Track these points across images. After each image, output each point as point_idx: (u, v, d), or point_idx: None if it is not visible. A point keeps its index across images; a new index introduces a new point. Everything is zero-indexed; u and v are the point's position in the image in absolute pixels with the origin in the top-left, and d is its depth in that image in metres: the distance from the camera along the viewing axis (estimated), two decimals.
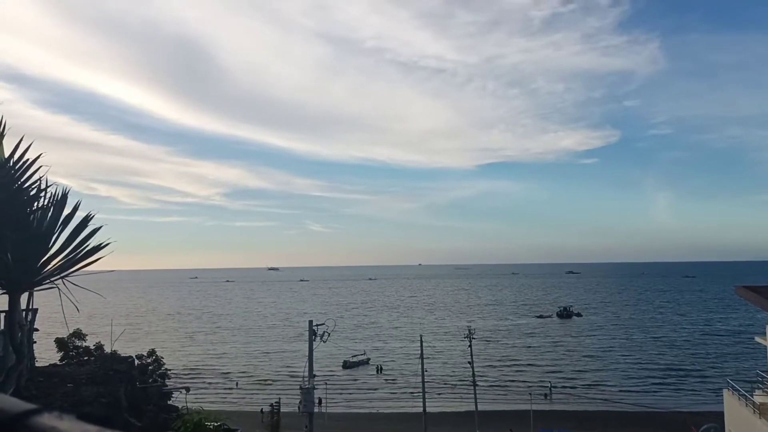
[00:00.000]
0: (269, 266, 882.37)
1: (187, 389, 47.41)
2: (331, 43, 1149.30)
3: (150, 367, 51.10)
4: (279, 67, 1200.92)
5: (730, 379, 31.14)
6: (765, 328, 25.88)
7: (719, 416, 29.98)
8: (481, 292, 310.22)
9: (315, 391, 29.30)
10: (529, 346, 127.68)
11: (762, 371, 27.76)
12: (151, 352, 53.41)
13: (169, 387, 51.89)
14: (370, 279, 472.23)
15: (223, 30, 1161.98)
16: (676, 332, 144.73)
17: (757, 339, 28.90)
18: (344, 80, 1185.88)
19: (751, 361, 78.87)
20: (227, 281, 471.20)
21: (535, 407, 64.68)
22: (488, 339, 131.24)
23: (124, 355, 41.97)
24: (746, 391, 27.60)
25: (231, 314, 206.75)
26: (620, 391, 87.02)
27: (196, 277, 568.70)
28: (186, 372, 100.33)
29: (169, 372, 54.19)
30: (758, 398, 26.33)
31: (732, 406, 28.07)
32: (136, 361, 48.73)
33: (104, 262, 7.68)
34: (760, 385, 27.98)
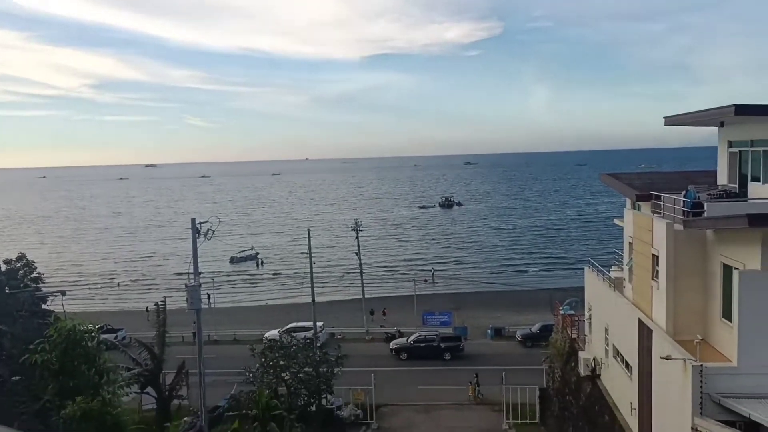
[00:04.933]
0: (147, 163, 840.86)
1: (63, 293, 45.23)
2: None
3: (20, 272, 48.24)
4: None
5: (591, 258, 34.33)
6: (623, 212, 28.34)
7: (581, 291, 33.18)
8: (370, 186, 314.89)
9: (202, 287, 29.09)
10: (412, 236, 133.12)
11: (618, 250, 30.70)
12: (21, 256, 50.18)
13: (43, 292, 49.48)
14: (274, 174, 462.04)
15: None
16: (550, 218, 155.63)
17: (616, 221, 31.73)
18: None
19: (613, 242, 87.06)
20: (105, 180, 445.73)
21: (418, 292, 68.41)
22: (373, 231, 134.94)
23: None
24: (604, 268, 30.59)
25: (109, 215, 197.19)
26: (493, 273, 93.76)
27: (44, 177, 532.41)
28: (62, 275, 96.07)
29: (42, 276, 51.48)
30: (614, 273, 29.27)
31: (591, 282, 31.11)
32: (3, 266, 45.76)
33: None
34: (616, 262, 31.06)
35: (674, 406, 17.77)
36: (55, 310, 42.29)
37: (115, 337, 53.71)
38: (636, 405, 21.90)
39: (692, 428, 16.30)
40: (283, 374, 35.57)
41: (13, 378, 26.49)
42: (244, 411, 32.29)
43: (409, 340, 52.80)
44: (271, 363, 35.77)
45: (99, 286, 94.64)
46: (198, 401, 27.74)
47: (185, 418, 32.95)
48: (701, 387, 16.35)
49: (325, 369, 37.10)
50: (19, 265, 48.80)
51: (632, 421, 22.38)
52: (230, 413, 33.64)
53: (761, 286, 16.41)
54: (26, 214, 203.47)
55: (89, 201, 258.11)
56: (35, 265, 50.86)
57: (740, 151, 21.07)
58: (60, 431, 20.08)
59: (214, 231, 27.43)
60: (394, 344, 53.30)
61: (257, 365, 36.04)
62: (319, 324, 52.88)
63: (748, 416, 15.56)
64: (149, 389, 36.27)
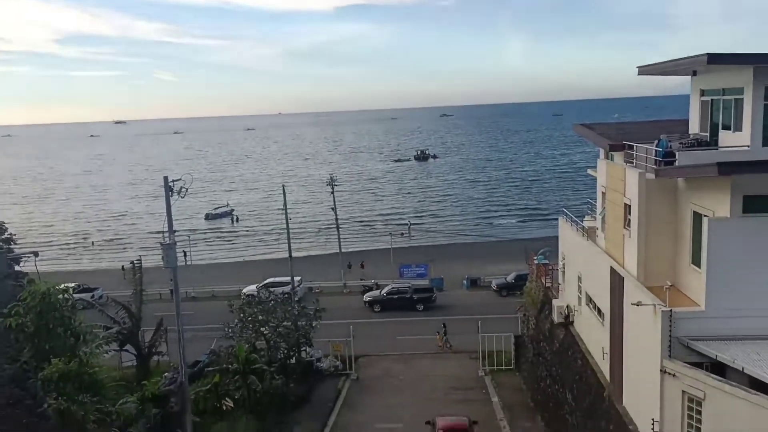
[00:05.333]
0: (116, 120, 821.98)
1: (36, 254, 44.69)
2: None
3: None
4: None
5: (564, 208, 34.75)
6: (596, 162, 28.58)
7: (555, 241, 33.67)
8: (345, 138, 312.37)
9: (177, 245, 28.89)
10: (388, 190, 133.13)
11: (591, 200, 31.10)
12: None
13: (15, 253, 48.71)
14: (248, 129, 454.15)
15: None
16: (525, 169, 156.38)
17: (589, 171, 32.02)
18: None
19: (588, 192, 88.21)
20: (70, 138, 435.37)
21: (395, 246, 68.85)
22: (349, 185, 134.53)
23: None
24: (578, 218, 31.02)
25: (79, 173, 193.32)
26: (469, 225, 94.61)
27: (8, 135, 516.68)
28: (33, 236, 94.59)
29: (14, 237, 50.59)
30: (587, 223, 29.74)
31: (565, 232, 31.57)
32: None
33: None
34: (589, 212, 31.51)
35: (644, 350, 18.35)
36: (28, 272, 41.75)
37: (92, 297, 53.41)
38: (607, 350, 22.57)
39: (661, 370, 16.89)
40: (262, 329, 35.84)
41: None
42: (224, 365, 32.62)
43: (382, 293, 53.33)
44: (249, 318, 35.99)
45: (72, 246, 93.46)
46: (178, 357, 27.88)
47: (165, 374, 33.16)
48: (670, 331, 16.88)
49: (303, 322, 37.45)
50: None
51: (604, 366, 23.11)
52: (210, 368, 33.96)
53: (729, 232, 16.81)
54: None
55: (58, 160, 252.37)
56: (5, 225, 49.94)
57: (712, 100, 21.24)
58: (38, 393, 20.10)
59: (187, 189, 27.05)
60: (367, 297, 53.81)
61: (236, 320, 36.24)
62: (297, 279, 53.11)
63: (714, 357, 16.16)
64: (128, 347, 36.32)
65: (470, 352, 40.15)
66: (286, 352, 36.75)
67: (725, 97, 20.29)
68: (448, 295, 55.38)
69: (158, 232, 75.19)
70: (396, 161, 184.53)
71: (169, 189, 26.01)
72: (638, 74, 24.08)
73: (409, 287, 53.21)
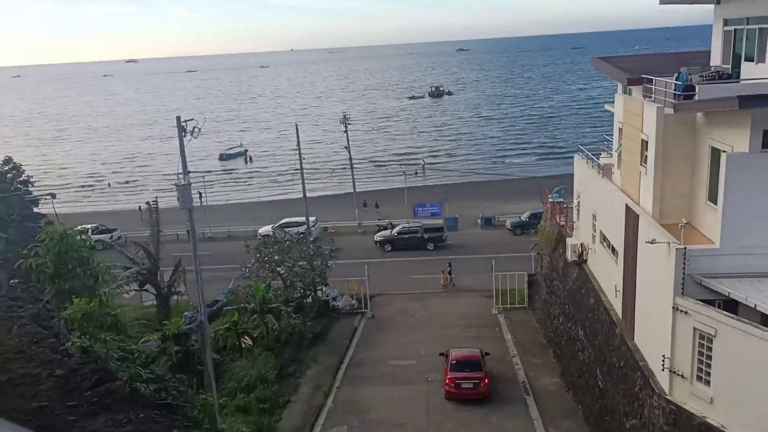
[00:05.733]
0: (127, 59, 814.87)
1: (53, 195, 45.25)
2: None
3: (9, 175, 47.85)
4: None
5: (581, 145, 34.16)
6: (614, 97, 27.86)
7: (570, 179, 33.27)
8: (357, 76, 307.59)
9: (193, 186, 28.97)
10: (402, 128, 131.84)
11: (609, 136, 30.50)
12: (8, 160, 49.54)
13: (33, 195, 49.36)
14: (262, 67, 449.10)
15: None
16: (542, 104, 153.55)
17: (607, 107, 31.29)
18: None
19: (606, 128, 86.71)
20: (86, 77, 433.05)
21: (409, 185, 68.71)
22: (362, 125, 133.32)
23: None
24: (594, 155, 30.52)
25: (90, 115, 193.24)
26: (484, 164, 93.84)
27: (18, 76, 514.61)
28: (50, 178, 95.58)
29: (31, 179, 51.12)
30: (603, 160, 29.23)
31: (581, 169, 31.11)
32: None
33: None
34: (606, 149, 30.96)
35: (657, 287, 18.34)
36: (47, 214, 42.37)
37: (111, 238, 54.32)
38: (620, 288, 22.61)
39: (673, 307, 16.91)
40: (278, 269, 36.38)
41: (11, 282, 26.94)
42: (242, 304, 33.31)
43: (393, 232, 53.53)
44: (266, 258, 36.48)
45: (89, 187, 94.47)
46: (196, 297, 28.46)
47: (186, 312, 34.00)
48: (684, 268, 16.79)
49: (319, 262, 37.89)
50: (6, 168, 48.36)
51: (616, 303, 23.21)
52: (229, 307, 34.70)
53: (748, 168, 16.46)
54: (3, 116, 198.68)
55: (70, 100, 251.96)
56: (23, 168, 50.40)
57: (735, 30, 20.42)
58: (62, 331, 20.65)
59: (200, 129, 26.91)
60: (378, 236, 54.04)
61: (252, 260, 36.74)
62: (312, 219, 53.44)
63: (727, 294, 16.11)
64: (148, 287, 37.10)
65: (484, 290, 40.52)
66: (302, 291, 37.38)
67: (749, 27, 19.48)
68: (463, 234, 55.52)
69: (172, 175, 75.64)
70: (410, 98, 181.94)
71: (182, 129, 25.92)
72: (660, 3, 23.15)
73: (419, 227, 53.30)
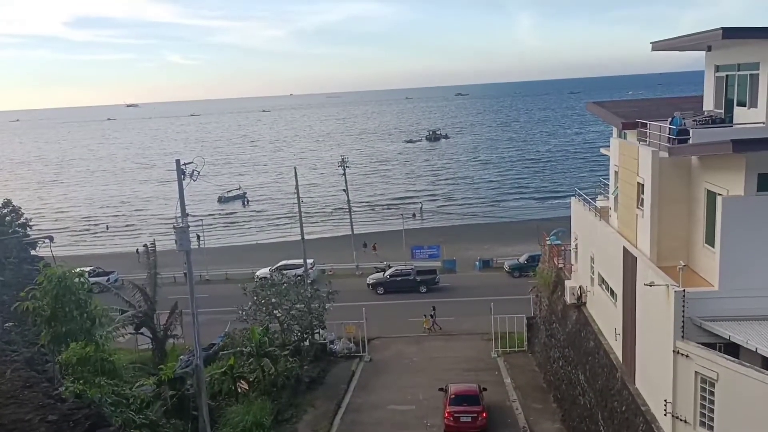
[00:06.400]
0: (127, 102, 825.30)
1: (51, 238, 45.26)
2: None
3: (7, 218, 47.92)
4: None
5: (578, 188, 34.44)
6: (609, 141, 28.23)
7: (568, 221, 33.41)
8: (355, 120, 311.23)
9: (191, 229, 29.09)
10: (399, 171, 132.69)
11: (605, 179, 30.77)
12: (7, 202, 49.73)
13: (31, 238, 49.33)
14: (263, 111, 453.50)
15: None
16: (539, 148, 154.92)
17: (602, 150, 31.67)
18: None
19: (601, 171, 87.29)
20: (87, 121, 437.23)
21: (407, 227, 68.79)
22: (360, 167, 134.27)
23: None
24: (591, 198, 30.75)
25: (89, 158, 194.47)
26: (481, 206, 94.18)
27: (17, 120, 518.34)
28: (48, 221, 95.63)
29: (30, 222, 51.18)
30: (600, 203, 29.47)
31: (578, 211, 31.30)
32: None
33: None
34: (602, 192, 31.20)
35: (657, 331, 18.23)
36: (44, 256, 42.24)
37: (107, 280, 54.00)
38: (620, 330, 22.47)
39: (674, 351, 16.78)
40: (275, 311, 36.10)
41: (6, 325, 26.68)
42: (238, 348, 32.93)
43: (385, 275, 53.31)
44: (263, 301, 36.24)
45: (86, 230, 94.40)
46: (192, 340, 28.17)
47: (181, 356, 33.56)
48: (683, 311, 16.74)
49: (316, 305, 37.64)
50: (5, 210, 48.46)
51: (616, 346, 23.02)
52: (225, 351, 34.28)
53: (743, 211, 16.59)
54: (2, 159, 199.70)
55: (69, 144, 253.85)
56: (22, 211, 50.52)
57: (727, 76, 20.84)
58: (56, 376, 20.40)
59: (199, 172, 27.17)
60: (371, 279, 53.80)
61: (250, 303, 36.49)
62: (310, 261, 53.30)
63: (727, 338, 16.02)
64: (144, 330, 36.73)
65: (482, 333, 40.16)
66: (299, 334, 37.02)
67: (740, 73, 19.89)
68: (461, 277, 55.34)
69: (171, 217, 75.77)
70: (408, 142, 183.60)
71: (181, 172, 26.14)
72: (652, 50, 23.67)
73: (411, 269, 53.12)
